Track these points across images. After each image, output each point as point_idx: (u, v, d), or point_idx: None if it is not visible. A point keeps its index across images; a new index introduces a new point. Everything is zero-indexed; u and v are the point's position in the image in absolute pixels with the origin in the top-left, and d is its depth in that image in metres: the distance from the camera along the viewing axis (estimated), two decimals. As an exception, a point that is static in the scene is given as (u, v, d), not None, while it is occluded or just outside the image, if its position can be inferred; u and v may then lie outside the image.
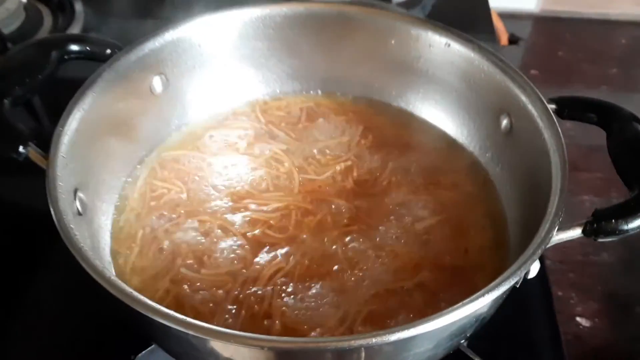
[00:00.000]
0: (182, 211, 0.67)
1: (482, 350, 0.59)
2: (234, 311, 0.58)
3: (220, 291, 0.59)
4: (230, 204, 0.67)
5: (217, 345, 0.47)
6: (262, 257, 0.62)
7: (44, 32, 1.01)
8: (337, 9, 0.73)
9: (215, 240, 0.64)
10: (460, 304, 0.46)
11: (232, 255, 0.63)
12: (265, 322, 0.57)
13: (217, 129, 0.76)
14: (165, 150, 0.73)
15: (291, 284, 0.60)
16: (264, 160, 0.72)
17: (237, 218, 0.66)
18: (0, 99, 0.59)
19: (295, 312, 0.58)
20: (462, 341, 0.56)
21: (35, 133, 0.59)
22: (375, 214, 0.66)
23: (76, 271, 0.49)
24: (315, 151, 0.73)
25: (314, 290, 0.59)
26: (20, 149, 0.57)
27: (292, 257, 0.62)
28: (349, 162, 0.72)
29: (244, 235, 0.64)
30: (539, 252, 0.49)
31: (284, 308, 0.58)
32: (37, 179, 0.56)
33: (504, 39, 1.12)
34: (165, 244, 0.64)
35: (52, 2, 1.06)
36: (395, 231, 0.65)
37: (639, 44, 1.21)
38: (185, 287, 0.60)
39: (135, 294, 0.46)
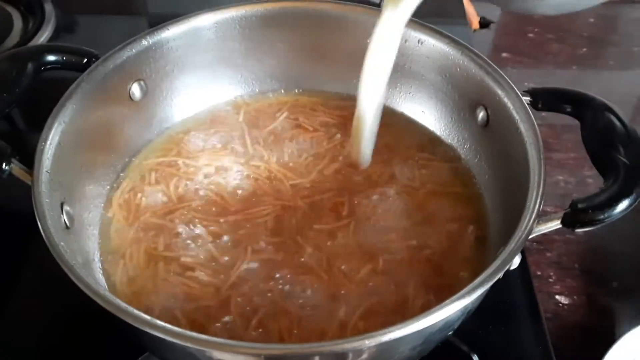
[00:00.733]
0: (168, 217, 0.67)
1: (465, 335, 0.61)
2: (228, 319, 0.59)
3: (213, 297, 0.60)
4: (216, 207, 0.68)
5: (216, 354, 0.48)
6: (255, 261, 0.63)
7: (15, 35, 1.00)
8: (312, 7, 0.74)
9: (204, 244, 0.64)
10: (448, 301, 0.47)
11: (225, 259, 0.63)
12: (259, 331, 0.58)
13: (198, 131, 0.76)
14: (148, 156, 0.73)
15: (288, 285, 0.61)
16: (247, 161, 0.73)
17: (226, 221, 0.66)
18: (-22, 116, 0.59)
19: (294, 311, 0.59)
20: (450, 333, 0.58)
21: (16, 148, 0.59)
22: (357, 210, 0.68)
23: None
24: (296, 150, 0.74)
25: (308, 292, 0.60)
26: (4, 166, 0.57)
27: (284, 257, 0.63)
28: (331, 159, 0.73)
29: (234, 238, 0.65)
30: (521, 245, 0.51)
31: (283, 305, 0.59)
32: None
33: (475, 22, 1.13)
34: (153, 251, 0.64)
35: (21, 4, 1.05)
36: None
37: (607, 22, 1.23)
38: (176, 294, 0.61)
39: (130, 309, 0.47)
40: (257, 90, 0.80)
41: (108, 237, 0.66)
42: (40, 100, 0.62)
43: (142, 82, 0.71)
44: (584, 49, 1.15)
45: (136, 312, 0.47)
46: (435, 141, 0.75)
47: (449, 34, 0.70)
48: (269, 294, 0.60)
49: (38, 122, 0.61)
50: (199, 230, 0.66)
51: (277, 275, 0.62)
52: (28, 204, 0.55)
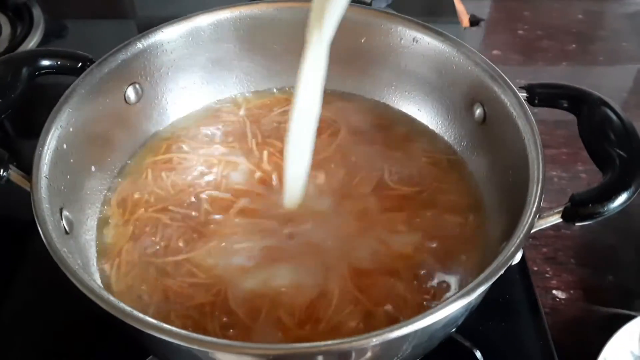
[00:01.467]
0: (165, 215, 0.67)
1: (467, 331, 0.61)
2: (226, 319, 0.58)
3: (207, 294, 0.60)
4: (214, 206, 0.67)
5: (220, 356, 0.48)
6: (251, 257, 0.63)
7: (4, 40, 0.99)
8: (307, 7, 0.73)
9: (202, 245, 0.64)
10: (454, 297, 0.47)
11: (221, 257, 0.63)
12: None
13: (193, 132, 0.76)
14: (144, 158, 0.73)
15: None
16: (244, 160, 0.72)
17: (224, 220, 0.66)
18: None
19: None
20: (454, 329, 0.58)
21: (13, 153, 0.59)
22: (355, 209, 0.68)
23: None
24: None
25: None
26: (1, 172, 0.56)
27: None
28: (329, 156, 0.73)
29: (230, 237, 0.65)
30: (523, 240, 0.51)
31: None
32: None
33: (465, 21, 1.14)
34: (149, 250, 0.64)
35: (9, 9, 1.04)
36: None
37: (594, 18, 1.25)
38: (172, 297, 0.60)
39: (136, 312, 0.47)
40: (252, 90, 0.80)
41: (104, 242, 0.65)
42: (33, 105, 0.62)
43: (137, 85, 0.71)
44: (573, 45, 1.17)
45: (141, 315, 0.46)
46: (432, 138, 0.75)
47: (444, 32, 0.70)
48: (266, 289, 0.60)
49: (31, 127, 0.61)
50: (194, 233, 0.65)
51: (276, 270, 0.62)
52: (23, 210, 0.54)
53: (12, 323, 0.68)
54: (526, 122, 0.60)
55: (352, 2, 0.74)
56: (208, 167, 0.72)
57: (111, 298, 0.48)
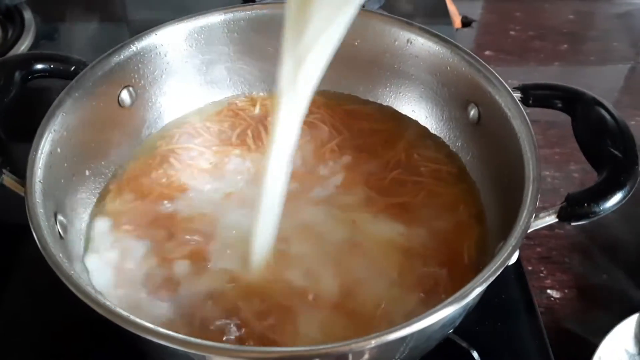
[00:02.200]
0: (159, 223, 0.66)
1: (464, 331, 0.61)
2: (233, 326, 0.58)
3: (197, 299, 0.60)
4: (207, 210, 0.67)
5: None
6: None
7: (-5, 44, 0.99)
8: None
9: (189, 246, 0.64)
10: (452, 299, 0.47)
11: (213, 261, 0.63)
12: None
13: (187, 135, 0.75)
14: (137, 161, 0.72)
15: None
16: (239, 163, 0.72)
17: (216, 227, 0.66)
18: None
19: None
20: (451, 330, 0.58)
21: (6, 158, 0.59)
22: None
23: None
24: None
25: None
26: (-5, 177, 0.56)
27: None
28: (327, 156, 0.73)
29: (222, 241, 0.64)
30: (520, 241, 0.51)
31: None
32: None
33: (457, 22, 1.15)
34: (142, 260, 0.63)
35: (0, 12, 1.03)
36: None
37: (585, 18, 1.26)
38: (158, 295, 0.60)
39: (132, 317, 0.46)
40: (246, 92, 0.80)
41: (96, 247, 0.65)
42: (26, 109, 0.62)
43: (130, 89, 0.70)
44: (565, 46, 1.17)
45: (138, 320, 0.46)
46: (427, 139, 0.75)
47: (439, 33, 0.70)
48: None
49: (24, 131, 0.60)
50: (185, 231, 0.65)
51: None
52: (14, 213, 0.54)
53: (7, 327, 0.67)
54: (521, 122, 0.60)
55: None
56: (203, 173, 0.72)
57: (107, 303, 0.47)
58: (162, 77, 0.73)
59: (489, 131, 0.66)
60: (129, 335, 0.46)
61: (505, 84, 0.64)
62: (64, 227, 0.59)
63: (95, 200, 0.68)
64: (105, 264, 0.63)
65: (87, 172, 0.67)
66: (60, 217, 0.59)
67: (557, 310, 0.76)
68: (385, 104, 0.78)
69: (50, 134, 0.60)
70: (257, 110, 0.79)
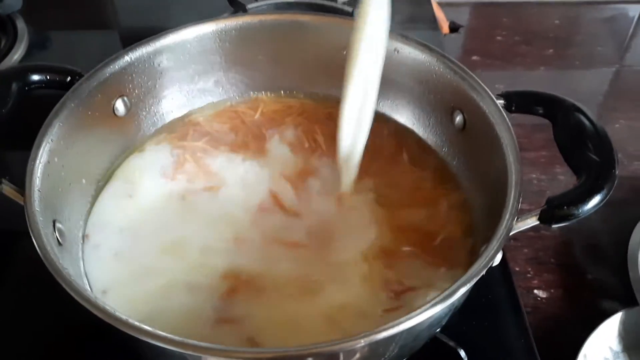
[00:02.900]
0: (151, 230, 0.68)
1: (451, 331, 0.63)
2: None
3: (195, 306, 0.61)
4: (199, 220, 0.69)
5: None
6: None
7: (-12, 54, 1.00)
8: (291, 19, 0.76)
9: (185, 249, 0.66)
10: (438, 298, 0.49)
11: (207, 264, 0.65)
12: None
13: (181, 144, 0.77)
14: (131, 170, 0.73)
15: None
16: (233, 174, 0.73)
17: (208, 234, 0.67)
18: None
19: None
20: (438, 329, 0.60)
21: (4, 168, 0.60)
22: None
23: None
24: (280, 155, 0.76)
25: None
26: (-5, 187, 0.57)
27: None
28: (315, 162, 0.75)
29: (216, 245, 0.66)
30: (503, 243, 0.53)
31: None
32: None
33: (445, 27, 1.16)
34: (138, 269, 0.65)
35: (-7, 22, 1.04)
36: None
37: (571, 24, 1.27)
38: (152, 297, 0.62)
39: (131, 321, 0.48)
40: (237, 100, 0.81)
41: (92, 255, 0.66)
42: (23, 119, 0.63)
43: (125, 98, 0.72)
44: (550, 50, 1.19)
45: (136, 323, 0.48)
46: (413, 145, 0.77)
47: (425, 42, 0.72)
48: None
49: (21, 141, 0.61)
50: (180, 235, 0.67)
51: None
52: (7, 218, 0.56)
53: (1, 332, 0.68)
54: (504, 128, 0.62)
55: (332, 13, 0.76)
56: (195, 178, 0.73)
57: (108, 308, 0.49)
58: (155, 86, 0.75)
59: (474, 137, 0.68)
60: (127, 337, 0.48)
61: (489, 92, 0.66)
62: (62, 235, 0.60)
63: (90, 207, 0.70)
64: (102, 267, 0.64)
65: (83, 181, 0.68)
66: (58, 225, 0.60)
67: (543, 310, 0.78)
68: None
69: (47, 144, 0.61)
70: (256, 116, 0.80)
